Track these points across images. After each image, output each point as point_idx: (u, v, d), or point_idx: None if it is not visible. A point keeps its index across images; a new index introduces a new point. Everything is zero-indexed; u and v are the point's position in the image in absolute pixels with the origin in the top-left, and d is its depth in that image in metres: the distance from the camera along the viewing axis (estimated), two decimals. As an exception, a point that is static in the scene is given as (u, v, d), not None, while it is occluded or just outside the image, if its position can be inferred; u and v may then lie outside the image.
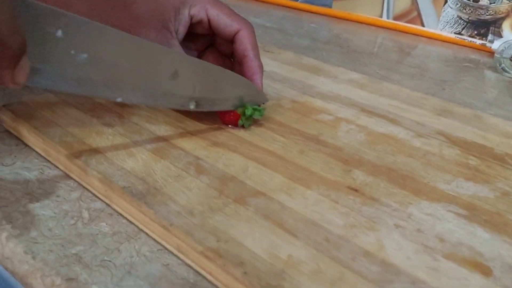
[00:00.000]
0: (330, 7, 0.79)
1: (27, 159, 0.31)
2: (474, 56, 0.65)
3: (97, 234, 0.25)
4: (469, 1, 0.67)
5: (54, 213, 0.27)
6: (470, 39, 0.68)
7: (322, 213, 0.26)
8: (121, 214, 0.27)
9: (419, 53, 0.65)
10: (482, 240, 0.25)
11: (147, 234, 0.26)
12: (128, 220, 0.27)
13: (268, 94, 0.41)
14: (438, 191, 0.29)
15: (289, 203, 0.27)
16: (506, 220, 0.27)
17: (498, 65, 0.59)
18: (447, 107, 0.42)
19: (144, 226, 0.26)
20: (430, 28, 0.71)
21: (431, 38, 0.71)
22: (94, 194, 0.28)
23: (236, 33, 0.35)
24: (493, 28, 0.66)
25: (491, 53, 0.65)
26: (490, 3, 0.65)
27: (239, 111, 0.34)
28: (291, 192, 0.28)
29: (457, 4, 0.68)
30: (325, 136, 0.35)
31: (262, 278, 0.21)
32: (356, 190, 0.29)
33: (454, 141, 0.36)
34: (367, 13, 0.76)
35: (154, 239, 0.25)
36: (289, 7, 0.83)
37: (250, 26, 0.36)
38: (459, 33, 0.69)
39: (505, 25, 0.65)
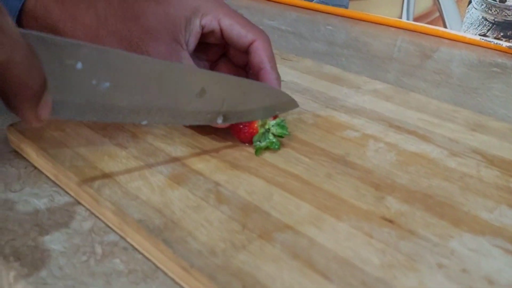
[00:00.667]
0: (347, 7, 0.77)
1: (36, 184, 0.29)
2: (501, 59, 0.62)
3: (111, 273, 0.23)
4: (495, 2, 0.63)
5: (65, 247, 0.25)
6: (496, 41, 0.65)
7: (356, 249, 0.24)
8: (136, 249, 0.25)
9: (442, 57, 0.62)
10: (535, 282, 0.23)
11: (165, 273, 0.23)
12: (144, 255, 0.25)
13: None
14: (480, 221, 0.27)
15: (319, 238, 0.24)
16: (559, 256, 0.25)
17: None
18: (480, 120, 0.39)
19: (162, 264, 0.23)
20: (453, 30, 0.68)
21: (454, 40, 0.68)
22: (107, 225, 0.26)
23: (251, 43, 0.33)
24: (521, 30, 0.63)
25: (519, 56, 0.62)
26: (518, 4, 0.62)
27: (260, 129, 0.32)
28: (320, 224, 0.25)
29: (482, 4, 0.65)
30: (352, 157, 0.32)
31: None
32: (391, 221, 0.26)
33: (491, 161, 0.33)
34: (386, 14, 0.73)
35: (173, 279, 0.23)
36: (303, 7, 0.81)
37: (265, 36, 0.34)
38: (484, 35, 0.66)
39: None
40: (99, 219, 0.27)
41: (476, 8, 0.65)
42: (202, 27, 0.33)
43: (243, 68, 0.37)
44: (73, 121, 0.33)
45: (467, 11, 0.66)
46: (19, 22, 0.34)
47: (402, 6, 0.71)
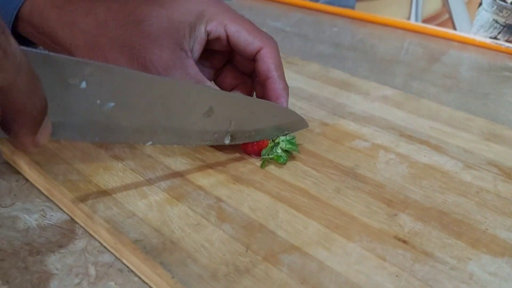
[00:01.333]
0: (353, 8, 0.75)
1: (28, 198, 0.28)
2: (512, 63, 0.60)
3: (105, 299, 0.22)
4: (506, 4, 0.61)
5: (57, 269, 0.23)
6: (507, 44, 0.63)
7: (369, 274, 0.22)
8: (132, 271, 0.23)
9: (451, 60, 0.60)
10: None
11: (163, 298, 0.22)
12: (141, 278, 0.23)
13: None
14: (499, 241, 0.25)
15: (328, 261, 0.23)
16: None
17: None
18: (495, 129, 0.37)
19: (159, 288, 0.22)
20: (463, 32, 0.66)
21: (463, 43, 0.66)
22: (102, 244, 0.25)
23: (258, 51, 0.31)
24: (533, 32, 0.61)
25: (531, 60, 0.60)
26: (531, 6, 0.60)
27: (270, 143, 0.30)
28: (329, 245, 0.24)
29: (492, 6, 0.63)
30: (362, 169, 0.31)
31: None
32: (404, 242, 0.24)
33: (508, 174, 0.31)
34: (393, 15, 0.71)
35: (171, 306, 0.22)
36: (308, 8, 0.79)
37: (273, 43, 0.32)
38: (495, 38, 0.64)
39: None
40: (94, 237, 0.25)
41: (486, 10, 0.63)
42: (208, 34, 0.31)
43: (249, 75, 0.35)
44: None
45: (477, 13, 0.64)
46: (15, 28, 0.33)
47: (410, 8, 0.70)
